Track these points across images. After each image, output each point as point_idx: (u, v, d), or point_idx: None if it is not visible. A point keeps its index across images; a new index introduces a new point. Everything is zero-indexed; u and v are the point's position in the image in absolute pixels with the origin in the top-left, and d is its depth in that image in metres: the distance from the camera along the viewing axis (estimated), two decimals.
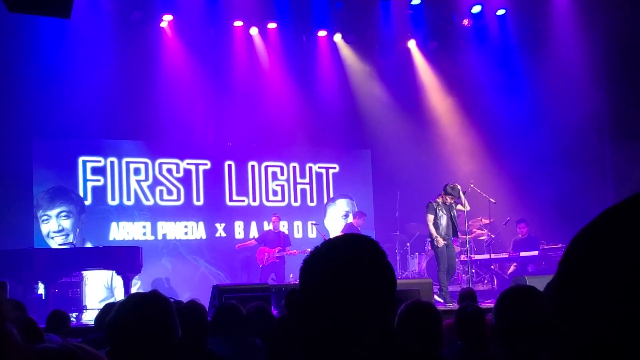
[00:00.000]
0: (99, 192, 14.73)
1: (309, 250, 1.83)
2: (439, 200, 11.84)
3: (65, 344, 1.40)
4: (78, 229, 14.36)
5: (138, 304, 2.42)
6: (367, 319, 1.69)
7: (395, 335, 1.81)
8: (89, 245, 14.09)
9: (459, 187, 11.91)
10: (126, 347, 2.32)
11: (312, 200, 16.65)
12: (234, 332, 4.69)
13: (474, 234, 14.45)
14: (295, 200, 16.46)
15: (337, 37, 16.31)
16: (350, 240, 1.79)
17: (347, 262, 1.71)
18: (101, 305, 8.02)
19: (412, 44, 16.64)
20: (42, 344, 1.40)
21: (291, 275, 14.57)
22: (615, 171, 14.40)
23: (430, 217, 11.77)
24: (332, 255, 1.74)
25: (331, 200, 16.85)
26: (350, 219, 15.29)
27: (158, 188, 15.23)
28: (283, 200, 16.33)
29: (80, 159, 14.67)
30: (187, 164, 15.53)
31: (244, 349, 4.51)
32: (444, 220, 11.79)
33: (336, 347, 1.68)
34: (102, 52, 14.01)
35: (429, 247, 14.89)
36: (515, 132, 15.54)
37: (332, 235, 15.38)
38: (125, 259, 11.58)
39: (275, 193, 16.28)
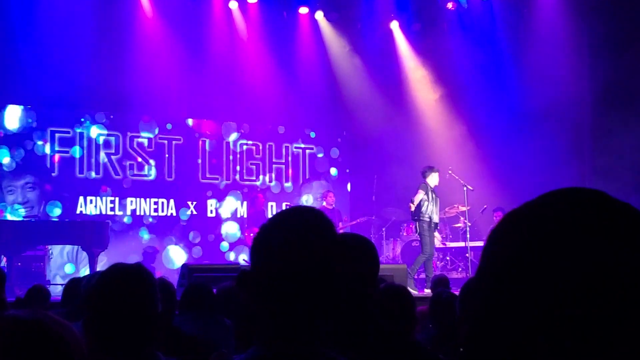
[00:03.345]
0: (67, 164, 14.61)
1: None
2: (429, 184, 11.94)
3: (34, 312, 1.39)
4: (44, 202, 14.25)
5: (122, 275, 2.41)
6: (326, 293, 1.72)
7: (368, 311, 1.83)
8: (54, 218, 13.99)
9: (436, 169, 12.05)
10: (106, 317, 2.31)
11: (287, 181, 16.65)
12: (203, 311, 4.69)
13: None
14: (270, 181, 16.45)
15: (319, 15, 16.25)
16: (298, 213, 1.82)
17: (302, 236, 1.73)
18: (65, 281, 7.98)
19: (394, 25, 16.60)
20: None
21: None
22: (593, 162, 14.55)
23: (420, 194, 11.80)
24: (286, 231, 1.74)
25: (307, 181, 16.86)
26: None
27: (128, 162, 15.13)
28: (257, 179, 16.31)
29: (49, 130, 14.53)
30: (160, 138, 15.44)
31: (212, 328, 4.52)
32: (432, 205, 11.85)
33: (298, 324, 1.69)
34: (75, 21, 13.80)
35: (405, 233, 14.99)
36: (497, 119, 15.58)
37: None
38: (91, 234, 11.52)
39: (250, 172, 16.25)
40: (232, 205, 15.92)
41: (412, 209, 11.82)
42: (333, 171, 17.09)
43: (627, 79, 13.87)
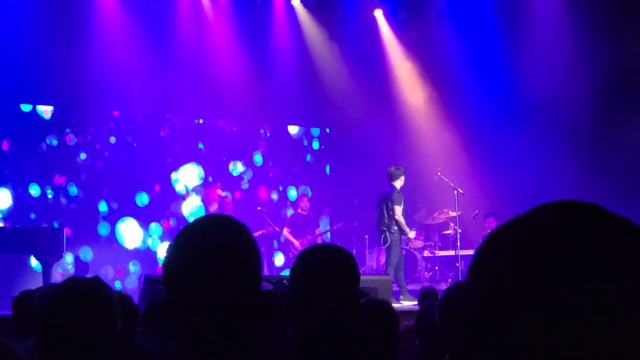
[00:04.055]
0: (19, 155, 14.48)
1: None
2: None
3: None
4: None
5: (78, 290, 2.40)
6: (259, 314, 1.74)
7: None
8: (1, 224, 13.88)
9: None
10: (60, 337, 2.30)
11: (260, 184, 16.57)
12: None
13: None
14: (241, 184, 16.35)
15: (296, 1, 16.24)
16: (208, 230, 1.81)
17: (218, 257, 1.75)
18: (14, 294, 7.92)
19: (378, 13, 16.63)
20: None
21: None
22: (593, 163, 14.62)
23: (399, 209, 11.89)
24: (199, 253, 1.75)
25: (281, 185, 16.78)
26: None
27: (83, 154, 14.97)
28: (225, 182, 16.22)
29: None
30: (119, 137, 15.31)
31: (178, 347, 4.49)
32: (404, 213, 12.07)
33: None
34: (24, 6, 13.72)
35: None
36: (489, 115, 15.58)
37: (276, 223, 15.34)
38: (45, 243, 11.42)
39: (219, 175, 16.17)
40: (191, 173, 15.85)
41: (407, 231, 11.95)
42: (315, 144, 17.05)
43: (628, 71, 13.95)
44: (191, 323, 1.73)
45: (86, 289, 2.41)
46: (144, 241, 15.22)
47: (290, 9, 16.33)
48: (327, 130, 17.29)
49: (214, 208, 15.08)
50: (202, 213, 15.43)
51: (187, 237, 1.79)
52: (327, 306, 2.39)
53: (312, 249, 2.55)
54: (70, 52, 14.15)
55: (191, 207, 15.72)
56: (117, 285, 14.46)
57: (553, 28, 15.01)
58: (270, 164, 16.67)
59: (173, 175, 15.67)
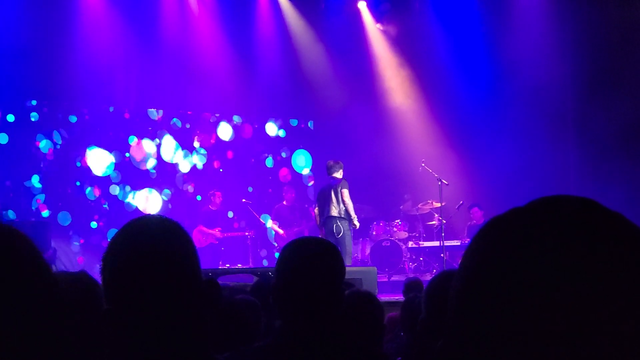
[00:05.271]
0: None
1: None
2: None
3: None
4: None
5: (66, 285, 2.38)
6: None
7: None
8: None
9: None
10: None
11: (245, 177, 16.53)
12: None
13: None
14: (227, 178, 16.28)
15: None
16: (149, 227, 1.81)
17: (171, 251, 1.76)
18: None
19: (362, 5, 16.63)
20: None
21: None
22: (577, 151, 14.67)
23: (347, 192, 11.95)
24: (141, 258, 1.74)
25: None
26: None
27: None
28: (208, 175, 16.17)
29: None
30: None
31: None
32: None
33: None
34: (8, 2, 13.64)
35: (374, 232, 14.94)
36: (473, 106, 15.61)
37: (260, 215, 15.32)
38: (32, 237, 11.35)
39: (204, 167, 16.12)
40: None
41: (354, 216, 12.02)
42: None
43: (611, 61, 14.00)
44: (133, 331, 1.72)
45: (73, 284, 2.39)
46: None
47: (274, 1, 16.29)
48: (310, 124, 17.28)
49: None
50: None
51: (120, 244, 1.78)
52: (312, 298, 2.40)
53: (297, 241, 2.56)
54: (54, 45, 14.04)
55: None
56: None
57: (537, 19, 15.05)
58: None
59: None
